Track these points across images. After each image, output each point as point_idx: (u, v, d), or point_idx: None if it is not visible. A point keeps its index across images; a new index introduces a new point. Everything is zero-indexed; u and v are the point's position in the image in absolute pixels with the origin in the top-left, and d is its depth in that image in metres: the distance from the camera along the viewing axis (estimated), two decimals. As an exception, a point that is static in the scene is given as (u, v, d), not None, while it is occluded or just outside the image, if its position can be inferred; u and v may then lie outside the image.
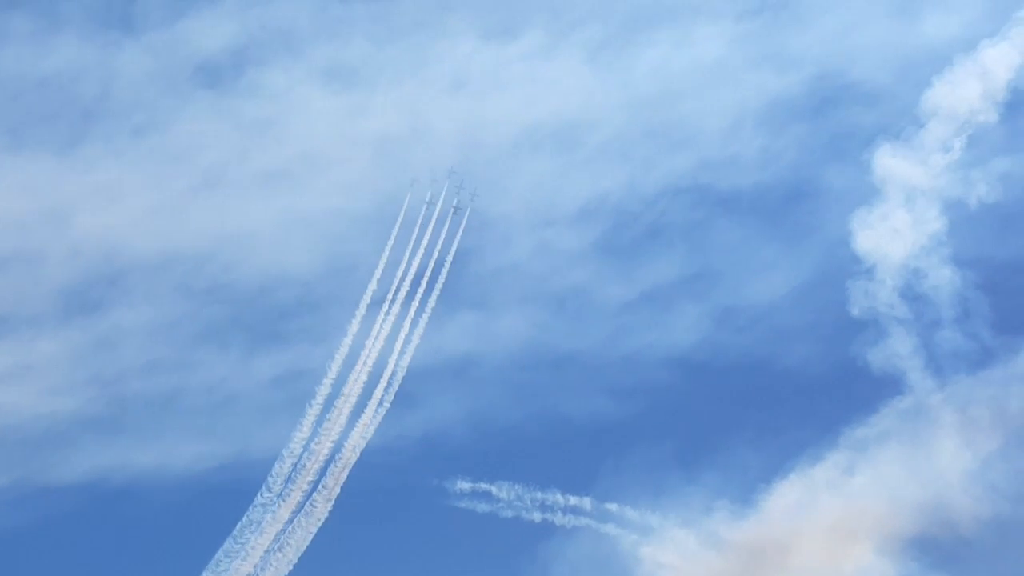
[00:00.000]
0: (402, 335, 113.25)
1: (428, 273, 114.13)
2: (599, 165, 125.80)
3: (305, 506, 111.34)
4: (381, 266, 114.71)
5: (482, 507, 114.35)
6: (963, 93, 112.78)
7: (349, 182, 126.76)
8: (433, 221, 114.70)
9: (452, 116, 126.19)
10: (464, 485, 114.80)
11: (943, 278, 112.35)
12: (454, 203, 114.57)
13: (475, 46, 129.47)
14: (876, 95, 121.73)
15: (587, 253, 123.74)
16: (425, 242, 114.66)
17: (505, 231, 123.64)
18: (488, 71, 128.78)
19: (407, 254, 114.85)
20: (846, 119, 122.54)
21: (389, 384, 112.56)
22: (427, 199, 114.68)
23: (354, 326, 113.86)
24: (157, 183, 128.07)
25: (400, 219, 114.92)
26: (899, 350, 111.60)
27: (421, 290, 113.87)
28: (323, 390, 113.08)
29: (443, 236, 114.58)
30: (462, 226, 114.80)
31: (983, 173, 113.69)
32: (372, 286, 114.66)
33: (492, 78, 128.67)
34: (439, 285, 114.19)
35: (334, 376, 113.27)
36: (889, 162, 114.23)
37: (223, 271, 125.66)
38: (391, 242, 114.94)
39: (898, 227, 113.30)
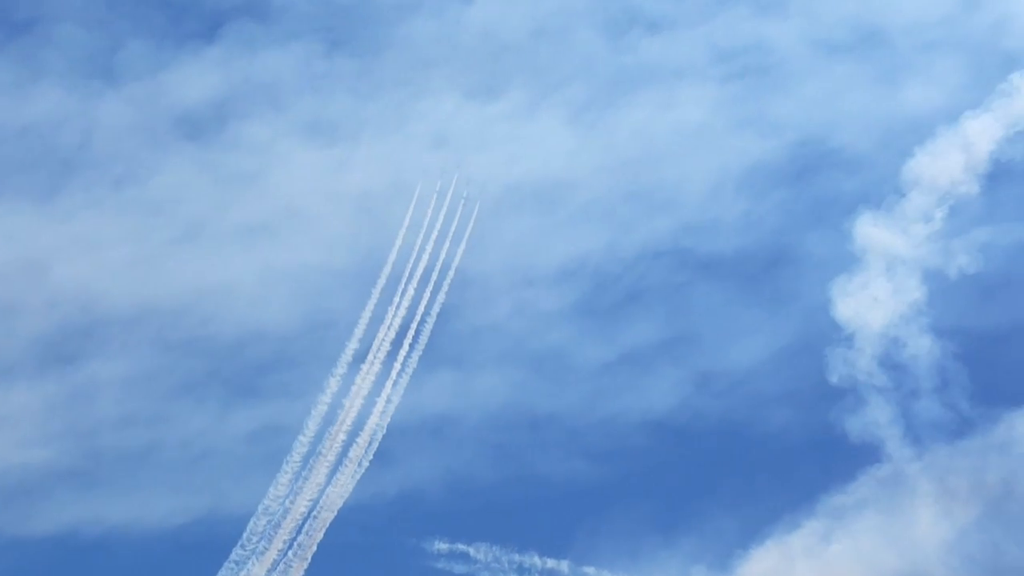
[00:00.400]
0: (383, 394, 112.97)
1: (409, 331, 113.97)
2: (580, 226, 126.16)
3: (280, 564, 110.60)
4: (362, 323, 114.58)
5: (459, 568, 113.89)
6: (945, 164, 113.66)
7: (330, 237, 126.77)
8: (416, 279, 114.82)
9: (434, 173, 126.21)
10: (441, 546, 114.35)
11: (922, 348, 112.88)
12: (438, 261, 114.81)
13: (458, 104, 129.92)
14: (858, 162, 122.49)
15: (566, 314, 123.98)
16: (407, 300, 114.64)
17: (485, 290, 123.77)
18: (470, 129, 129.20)
19: (388, 311, 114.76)
20: (828, 186, 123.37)
21: (368, 443, 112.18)
22: (413, 256, 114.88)
23: (333, 383, 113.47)
24: (136, 235, 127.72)
25: (381, 277, 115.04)
26: (878, 419, 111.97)
27: (402, 349, 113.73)
28: (300, 447, 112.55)
29: (426, 294, 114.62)
30: (445, 285, 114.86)
31: (963, 244, 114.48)
32: (352, 343, 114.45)
33: (474, 136, 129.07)
34: (420, 343, 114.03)
35: (312, 433, 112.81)
36: (870, 231, 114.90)
37: (201, 324, 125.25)
38: (372, 299, 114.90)
39: (878, 296, 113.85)
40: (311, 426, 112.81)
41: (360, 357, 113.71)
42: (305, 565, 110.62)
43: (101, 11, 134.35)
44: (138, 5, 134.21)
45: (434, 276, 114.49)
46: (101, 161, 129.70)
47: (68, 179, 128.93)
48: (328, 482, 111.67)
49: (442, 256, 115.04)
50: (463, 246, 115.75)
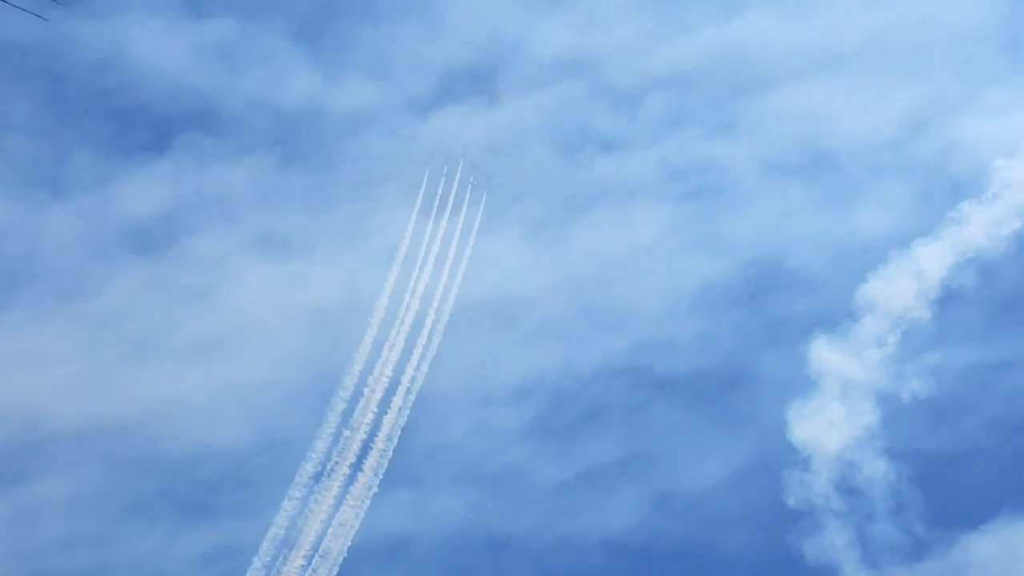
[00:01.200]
0: (342, 516, 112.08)
1: (369, 452, 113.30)
2: (537, 344, 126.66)
3: None
4: (318, 442, 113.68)
5: None
6: (898, 290, 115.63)
7: (284, 353, 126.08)
8: (375, 398, 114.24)
9: (388, 289, 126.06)
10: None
11: (877, 471, 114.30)
12: (396, 379, 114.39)
13: (412, 219, 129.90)
14: (811, 284, 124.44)
15: (524, 433, 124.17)
16: (366, 420, 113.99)
17: (442, 408, 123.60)
18: (425, 245, 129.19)
19: (342, 429, 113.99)
20: (782, 307, 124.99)
21: (328, 567, 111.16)
22: (371, 375, 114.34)
23: (288, 504, 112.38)
24: (84, 350, 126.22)
25: (339, 395, 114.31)
26: (834, 542, 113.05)
27: (362, 471, 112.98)
28: (255, 570, 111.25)
29: (385, 414, 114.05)
30: (400, 403, 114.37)
31: (916, 368, 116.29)
32: (308, 462, 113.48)
33: (430, 252, 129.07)
34: (376, 464, 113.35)
35: (267, 555, 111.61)
36: (825, 354, 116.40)
37: (151, 442, 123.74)
38: (328, 417, 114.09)
39: (833, 419, 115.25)
40: (266, 548, 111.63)
41: (317, 477, 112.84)
42: None
43: (48, 121, 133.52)
44: (86, 116, 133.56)
45: (394, 396, 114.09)
46: (48, 274, 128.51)
47: (14, 292, 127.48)
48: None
49: (403, 374, 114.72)
50: (422, 364, 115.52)
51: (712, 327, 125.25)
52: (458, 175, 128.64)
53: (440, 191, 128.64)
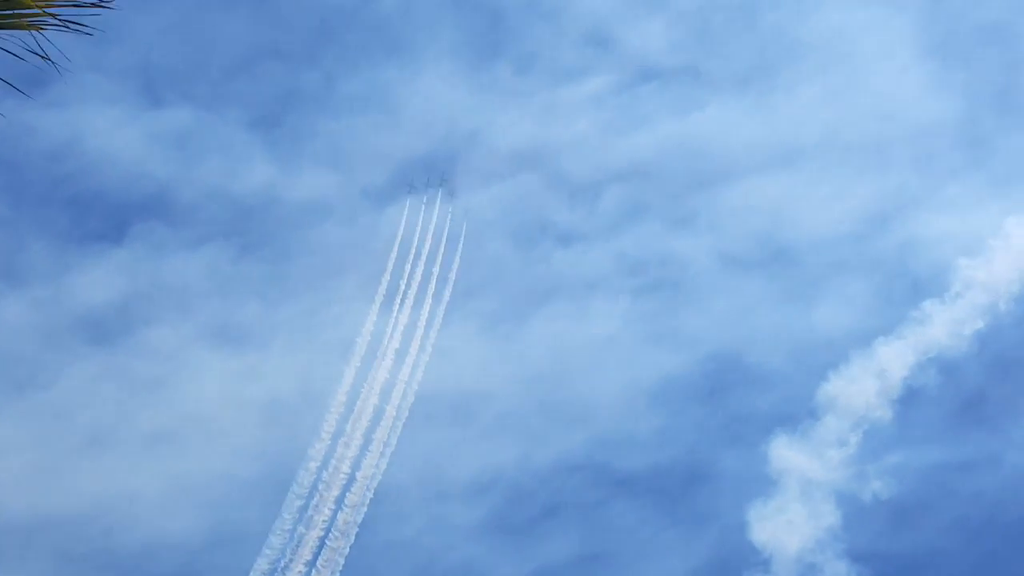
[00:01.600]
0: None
1: (321, 548, 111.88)
2: (494, 438, 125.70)
3: None
4: (273, 537, 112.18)
5: None
6: (859, 389, 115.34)
7: (239, 446, 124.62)
8: (334, 494, 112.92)
9: (344, 382, 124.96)
10: None
11: (838, 572, 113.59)
12: (352, 474, 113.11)
13: (368, 311, 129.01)
14: (771, 381, 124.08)
15: (480, 529, 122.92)
16: (322, 516, 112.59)
17: (398, 503, 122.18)
18: (381, 337, 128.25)
19: (298, 525, 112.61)
20: (742, 404, 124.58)
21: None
22: (327, 470, 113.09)
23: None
24: (37, 441, 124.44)
25: (294, 490, 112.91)
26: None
27: (315, 567, 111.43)
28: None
29: (336, 508, 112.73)
30: (357, 500, 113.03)
31: (877, 468, 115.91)
32: (261, 558, 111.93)
33: (387, 345, 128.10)
34: (331, 561, 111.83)
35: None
36: (786, 453, 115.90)
37: (104, 535, 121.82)
38: (284, 512, 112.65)
39: (794, 519, 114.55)
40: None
41: (270, 574, 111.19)
42: None
43: (4, 210, 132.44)
44: (42, 204, 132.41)
45: (350, 493, 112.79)
46: (1, 364, 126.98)
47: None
48: None
49: (359, 470, 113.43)
50: (380, 461, 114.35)
51: (671, 423, 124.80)
52: (420, 267, 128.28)
53: (400, 283, 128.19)
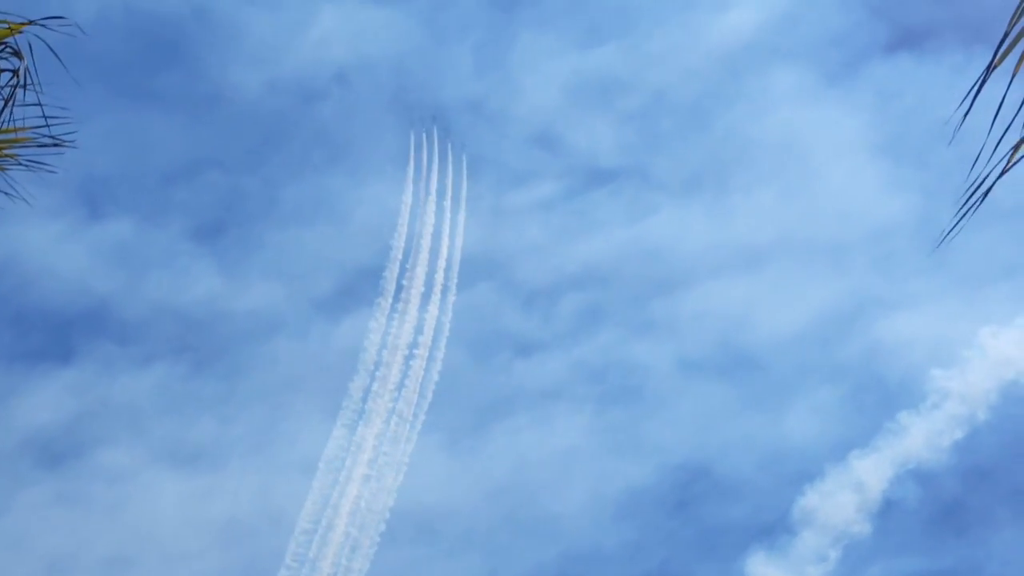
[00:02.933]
0: None
1: None
2: (459, 556, 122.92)
3: None
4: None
5: None
6: (837, 503, 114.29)
7: (198, 571, 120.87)
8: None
9: (303, 500, 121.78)
10: None
11: None
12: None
13: (328, 428, 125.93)
14: (743, 493, 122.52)
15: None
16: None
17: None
18: (339, 454, 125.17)
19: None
20: (714, 516, 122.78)
21: None
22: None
23: None
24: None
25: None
26: None
27: None
28: None
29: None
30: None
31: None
32: None
33: (345, 460, 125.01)
34: None
35: None
36: (763, 570, 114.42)
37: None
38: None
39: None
40: None
41: None
42: None
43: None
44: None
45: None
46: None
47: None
48: None
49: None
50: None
51: (641, 536, 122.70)
52: (379, 381, 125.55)
53: (358, 398, 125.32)
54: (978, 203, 13.99)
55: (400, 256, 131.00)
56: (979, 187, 13.86)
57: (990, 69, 13.39)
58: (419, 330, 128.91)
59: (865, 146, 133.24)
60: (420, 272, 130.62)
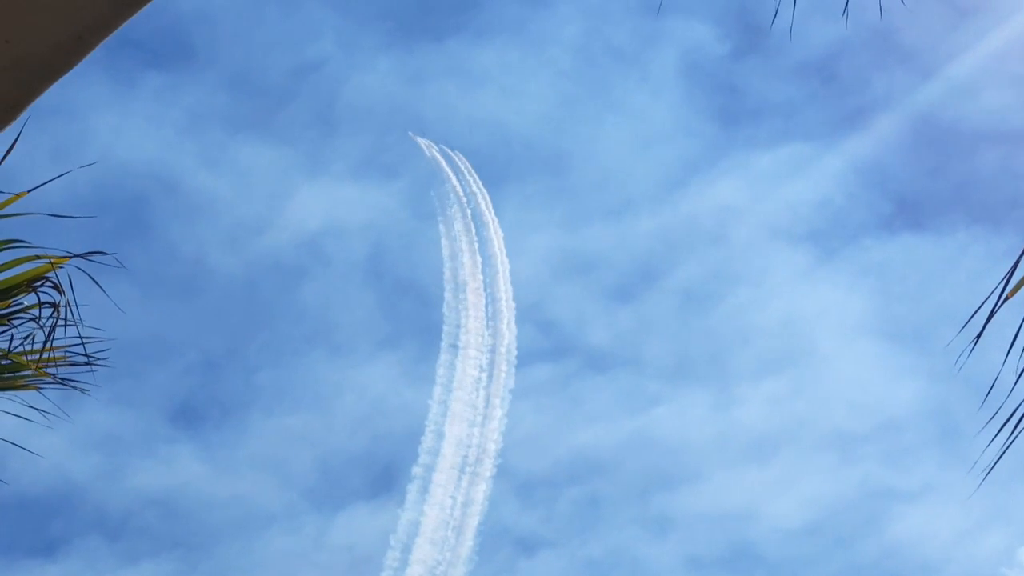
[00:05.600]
0: None
1: None
2: None
3: None
4: None
5: None
6: None
7: None
8: None
9: None
10: None
11: None
12: None
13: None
14: None
15: None
16: None
17: None
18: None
19: None
20: None
21: None
22: None
23: None
24: None
25: None
26: None
27: None
28: None
29: None
30: None
31: None
32: None
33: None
34: None
35: None
36: None
37: None
38: None
39: None
40: None
41: None
42: None
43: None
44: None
45: None
46: None
47: None
48: None
49: None
50: None
51: None
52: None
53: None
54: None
55: (392, 446, 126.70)
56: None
57: (1002, 300, 11.30)
58: (415, 527, 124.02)
59: (868, 330, 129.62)
60: (410, 464, 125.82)
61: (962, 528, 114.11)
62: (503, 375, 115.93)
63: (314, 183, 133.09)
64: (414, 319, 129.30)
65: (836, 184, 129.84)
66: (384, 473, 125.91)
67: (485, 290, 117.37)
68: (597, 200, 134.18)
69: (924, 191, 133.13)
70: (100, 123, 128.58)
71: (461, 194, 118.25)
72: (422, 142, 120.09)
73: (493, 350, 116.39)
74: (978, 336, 11.17)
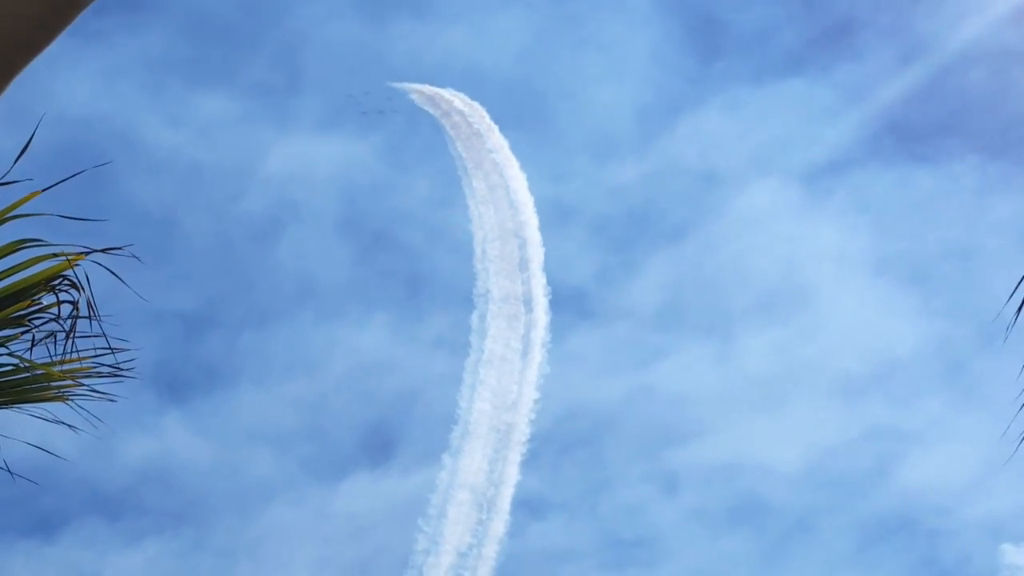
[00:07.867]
0: None
1: None
2: None
3: None
4: None
5: None
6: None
7: None
8: None
9: None
10: None
11: None
12: None
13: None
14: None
15: None
16: None
17: None
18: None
19: None
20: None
21: None
22: None
23: None
24: None
25: None
26: None
27: None
28: None
29: None
30: None
31: None
32: None
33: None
34: None
35: None
36: None
37: None
38: None
39: None
40: None
41: None
42: None
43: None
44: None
45: None
46: None
47: None
48: None
49: None
50: None
51: None
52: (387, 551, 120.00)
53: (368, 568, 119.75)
54: None
55: (391, 414, 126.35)
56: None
57: None
58: (418, 491, 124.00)
59: (867, 270, 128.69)
60: (411, 433, 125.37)
61: (976, 470, 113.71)
62: (541, 324, 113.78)
63: (284, 137, 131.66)
64: (396, 274, 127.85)
65: (826, 116, 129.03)
66: (382, 440, 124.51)
67: (515, 237, 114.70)
68: (580, 143, 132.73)
69: (917, 118, 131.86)
70: (53, 77, 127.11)
71: (482, 137, 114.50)
72: (412, 88, 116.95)
73: (529, 301, 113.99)
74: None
